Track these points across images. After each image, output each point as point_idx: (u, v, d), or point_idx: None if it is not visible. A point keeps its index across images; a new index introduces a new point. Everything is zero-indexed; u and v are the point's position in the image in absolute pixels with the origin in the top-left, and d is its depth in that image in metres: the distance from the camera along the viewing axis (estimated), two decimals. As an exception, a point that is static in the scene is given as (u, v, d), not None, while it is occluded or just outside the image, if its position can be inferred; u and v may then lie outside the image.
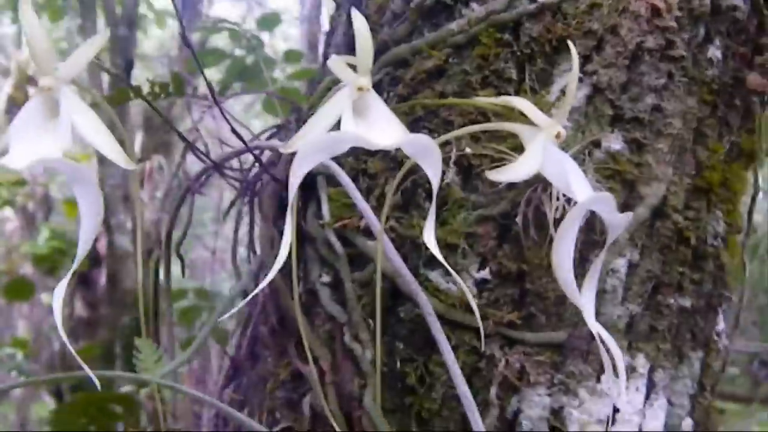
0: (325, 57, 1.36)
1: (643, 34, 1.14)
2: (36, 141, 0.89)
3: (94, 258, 3.84)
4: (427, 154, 0.87)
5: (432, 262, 1.13)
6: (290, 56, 2.90)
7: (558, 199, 1.07)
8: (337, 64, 0.91)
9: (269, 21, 3.00)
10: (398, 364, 1.13)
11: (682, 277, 1.18)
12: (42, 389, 3.39)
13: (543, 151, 0.87)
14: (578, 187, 0.88)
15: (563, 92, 1.14)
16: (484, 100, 1.01)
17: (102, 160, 2.48)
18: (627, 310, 1.14)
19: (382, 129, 0.87)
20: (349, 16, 1.28)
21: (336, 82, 1.04)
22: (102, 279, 3.82)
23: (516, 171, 0.86)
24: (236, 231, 1.30)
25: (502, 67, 1.15)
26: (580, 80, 1.14)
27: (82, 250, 0.88)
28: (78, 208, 0.89)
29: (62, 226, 3.65)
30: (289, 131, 1.28)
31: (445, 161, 1.10)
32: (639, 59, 1.15)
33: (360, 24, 0.89)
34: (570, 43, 0.95)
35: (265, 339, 1.26)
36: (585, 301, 0.90)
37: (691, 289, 1.19)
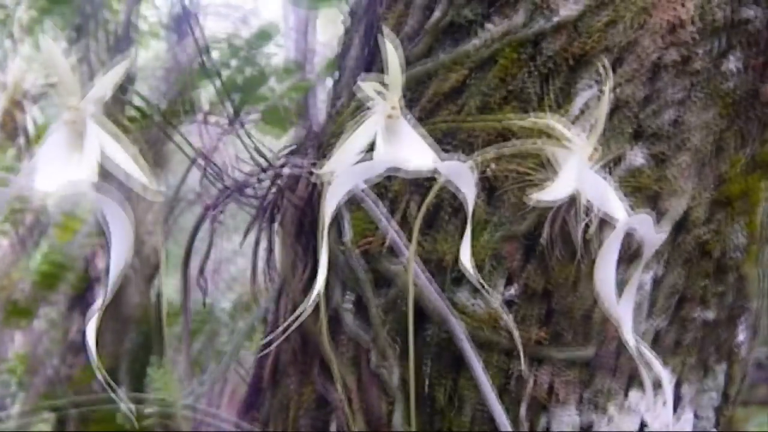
0: (340, 76, 1.35)
1: (661, 49, 1.15)
2: (62, 168, 0.88)
3: (89, 279, 3.80)
4: (461, 177, 0.87)
5: (458, 282, 1.13)
6: (288, 70, 2.89)
7: (584, 217, 1.06)
8: (367, 87, 0.91)
9: (266, 32, 2.98)
10: (426, 385, 1.13)
11: (705, 290, 1.18)
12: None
13: (579, 172, 0.87)
14: (616, 207, 0.87)
15: (583, 110, 1.14)
16: (515, 120, 1.00)
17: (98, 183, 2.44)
18: (652, 325, 1.14)
19: (415, 153, 0.87)
20: (363, 36, 1.28)
21: (359, 104, 1.04)
22: (98, 300, 3.77)
23: (554, 191, 0.85)
24: (255, 253, 1.29)
25: (521, 86, 1.15)
26: (600, 96, 1.14)
27: (114, 275, 0.87)
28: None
29: (54, 251, 3.60)
30: (305, 153, 1.26)
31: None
32: (658, 74, 1.15)
33: (390, 49, 0.88)
34: (605, 61, 0.95)
35: (287, 363, 1.25)
36: (622, 316, 0.89)
37: (714, 302, 1.19)
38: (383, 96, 0.90)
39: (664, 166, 1.15)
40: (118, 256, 0.86)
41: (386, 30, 0.89)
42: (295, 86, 2.91)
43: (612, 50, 1.14)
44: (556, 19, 1.15)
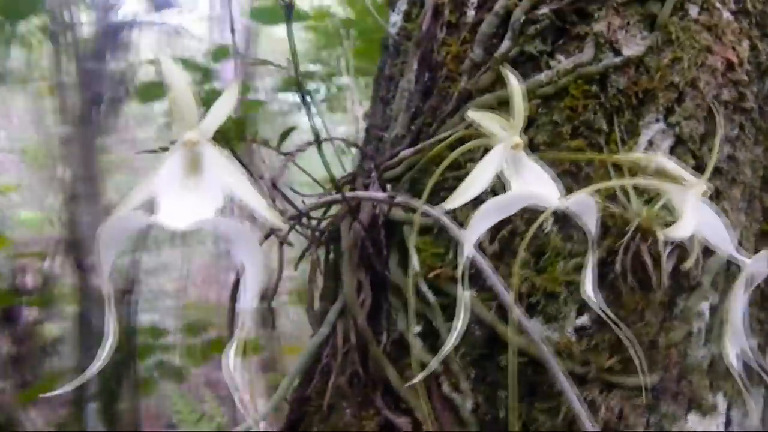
0: (385, 103, 1.36)
1: (719, 87, 1.20)
2: (182, 199, 0.85)
3: (17, 293, 3.65)
4: (588, 211, 0.89)
5: (531, 310, 1.15)
6: (245, 87, 2.87)
7: (665, 246, 1.11)
8: (485, 120, 0.92)
9: (219, 53, 2.96)
10: (502, 412, 1.14)
11: (751, 317, 1.24)
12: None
13: (698, 209, 0.90)
14: (733, 247, 0.92)
15: (651, 143, 1.18)
16: (622, 156, 1.03)
17: (72, 200, 2.36)
18: (709, 351, 1.19)
19: (545, 187, 0.89)
20: (420, 64, 1.29)
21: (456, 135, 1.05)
22: (25, 315, 3.64)
23: (679, 230, 0.89)
24: (312, 280, 1.27)
25: (591, 118, 1.18)
26: (664, 132, 1.18)
27: (249, 307, 0.85)
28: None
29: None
30: (367, 179, 1.26)
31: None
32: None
33: (513, 80, 0.90)
34: (714, 106, 0.99)
35: (343, 389, 1.24)
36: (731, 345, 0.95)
37: (757, 329, 1.25)
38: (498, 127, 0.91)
39: (720, 199, 1.20)
40: (252, 287, 0.84)
41: (508, 72, 0.90)
42: (250, 104, 2.90)
43: (675, 87, 1.19)
44: (622, 56, 1.19)
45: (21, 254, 3.51)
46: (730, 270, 1.21)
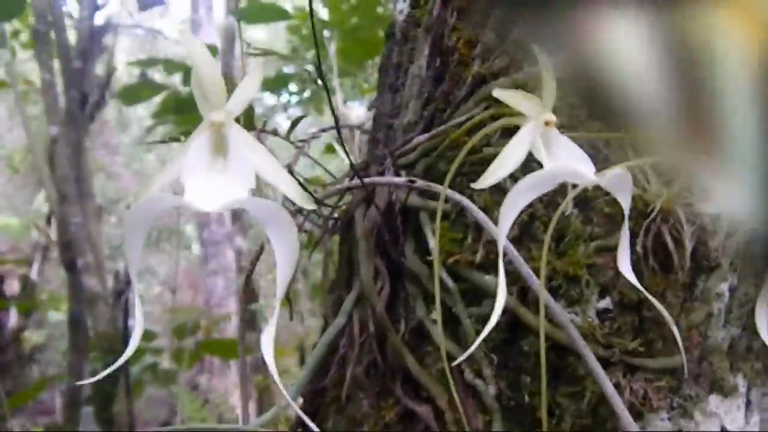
0: (393, 90, 1.34)
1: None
2: (210, 181, 0.83)
3: (2, 300, 3.60)
4: (623, 186, 0.89)
5: (553, 293, 1.14)
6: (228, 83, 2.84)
7: (684, 228, 1.10)
8: (515, 97, 0.91)
9: (211, 49, 2.93)
10: (526, 397, 1.13)
11: (766, 298, 1.24)
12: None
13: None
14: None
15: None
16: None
17: (62, 200, 2.31)
18: (728, 332, 1.19)
19: (578, 163, 0.88)
20: (431, 47, 1.28)
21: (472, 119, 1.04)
22: (10, 322, 3.59)
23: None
24: (326, 269, 1.26)
25: (607, 101, 1.17)
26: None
27: (280, 292, 0.83)
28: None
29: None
30: (380, 166, 1.25)
31: (563, 193, 1.12)
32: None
33: (546, 62, 0.89)
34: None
35: (360, 379, 1.22)
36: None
37: (776, 310, 1.25)
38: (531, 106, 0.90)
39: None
40: (284, 270, 0.82)
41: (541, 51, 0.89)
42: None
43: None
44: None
45: (1, 260, 3.46)
46: (750, 250, 1.21)
